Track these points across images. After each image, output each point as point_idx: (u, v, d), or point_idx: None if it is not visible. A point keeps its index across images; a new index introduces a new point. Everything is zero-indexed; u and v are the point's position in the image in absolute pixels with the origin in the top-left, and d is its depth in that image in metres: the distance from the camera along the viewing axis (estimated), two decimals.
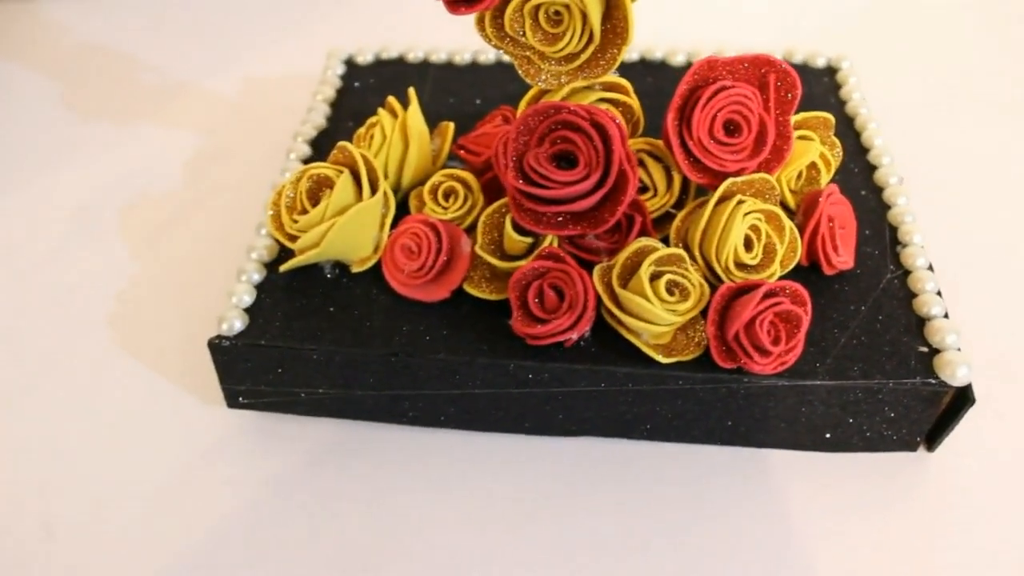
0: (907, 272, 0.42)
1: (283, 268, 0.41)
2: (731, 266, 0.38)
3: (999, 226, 0.51)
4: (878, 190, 0.46)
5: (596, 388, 0.38)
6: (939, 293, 0.40)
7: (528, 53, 0.39)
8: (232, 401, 0.42)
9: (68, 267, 0.51)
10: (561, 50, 0.38)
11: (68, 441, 0.42)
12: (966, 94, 0.61)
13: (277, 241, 0.43)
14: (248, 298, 0.40)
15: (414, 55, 0.56)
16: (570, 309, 0.37)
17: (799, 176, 0.42)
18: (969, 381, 0.37)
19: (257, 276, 0.42)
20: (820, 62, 0.54)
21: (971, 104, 0.60)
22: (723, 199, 0.39)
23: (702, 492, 0.39)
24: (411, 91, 0.44)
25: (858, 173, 0.47)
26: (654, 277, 0.37)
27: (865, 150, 0.48)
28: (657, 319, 0.36)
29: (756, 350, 0.36)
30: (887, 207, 0.45)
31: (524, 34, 0.38)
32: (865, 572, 0.37)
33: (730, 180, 0.39)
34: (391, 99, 0.44)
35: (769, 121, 0.39)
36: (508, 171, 0.38)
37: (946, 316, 0.39)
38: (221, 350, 0.39)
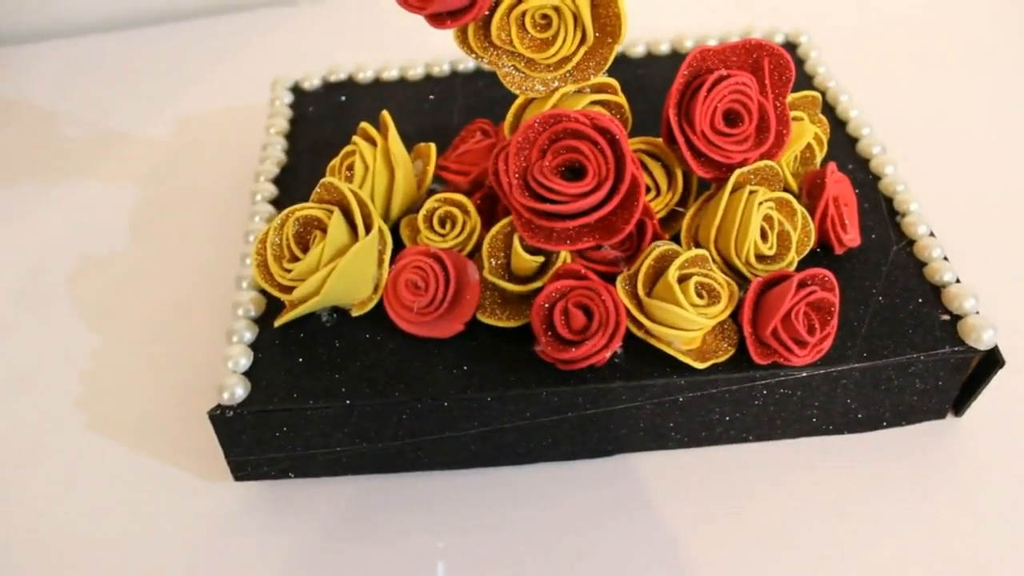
0: (911, 241, 0.41)
1: (278, 322, 0.38)
2: (752, 260, 0.37)
3: (987, 182, 0.51)
4: (864, 162, 0.46)
5: (634, 404, 0.37)
6: (946, 258, 0.40)
7: (515, 62, 0.37)
8: (239, 473, 0.38)
9: (19, 350, 0.46)
10: (553, 55, 0.36)
11: (62, 544, 0.38)
12: (924, 52, 0.61)
13: (264, 293, 0.39)
14: (245, 360, 0.37)
15: (364, 75, 0.53)
16: (602, 327, 0.35)
17: (795, 159, 0.42)
18: (995, 343, 0.37)
19: (249, 335, 0.38)
20: (778, 39, 0.54)
21: (931, 61, 0.60)
22: (734, 191, 0.38)
23: (745, 489, 0.38)
24: (385, 114, 0.41)
25: (840, 147, 0.47)
26: (682, 281, 0.35)
27: (842, 123, 0.48)
28: (690, 324, 0.35)
29: (795, 343, 0.35)
30: (877, 178, 0.45)
31: (512, 42, 0.36)
32: (909, 542, 0.36)
33: (739, 171, 0.37)
34: (365, 125, 0.41)
35: (768, 107, 0.38)
36: (513, 189, 0.35)
37: (958, 281, 0.39)
38: (224, 421, 0.36)
